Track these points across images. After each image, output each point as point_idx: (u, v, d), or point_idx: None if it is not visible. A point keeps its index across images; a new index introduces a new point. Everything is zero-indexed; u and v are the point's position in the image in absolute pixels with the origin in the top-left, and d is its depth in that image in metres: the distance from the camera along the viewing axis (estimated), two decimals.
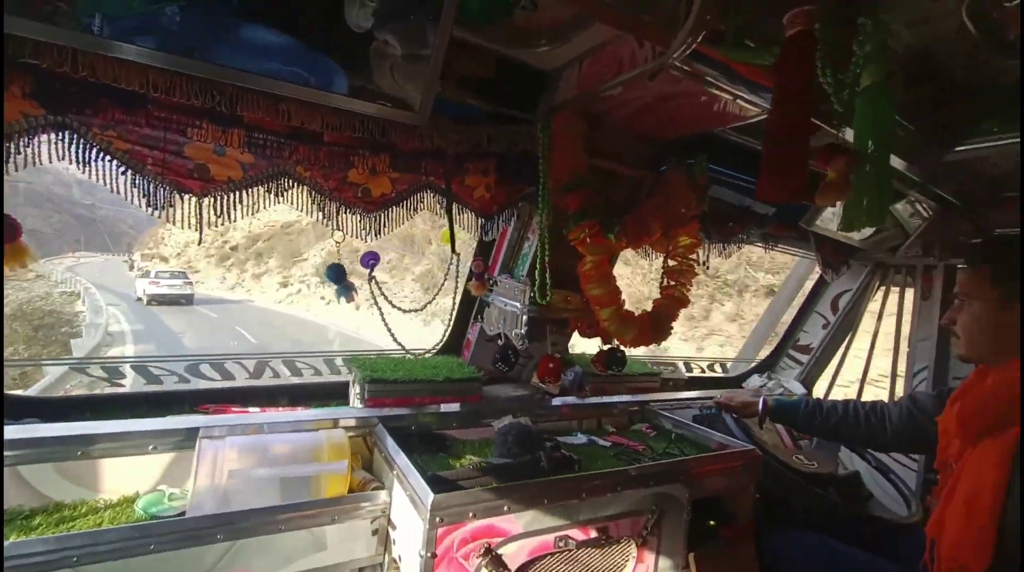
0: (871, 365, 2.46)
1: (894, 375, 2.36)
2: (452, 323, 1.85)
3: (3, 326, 1.13)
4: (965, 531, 1.10)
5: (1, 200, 0.87)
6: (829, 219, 1.91)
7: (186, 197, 1.01)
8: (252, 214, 1.08)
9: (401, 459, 1.18)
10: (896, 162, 1.53)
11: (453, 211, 1.35)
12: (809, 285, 2.71)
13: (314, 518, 1.09)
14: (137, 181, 0.96)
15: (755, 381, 2.64)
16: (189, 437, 1.16)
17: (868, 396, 2.49)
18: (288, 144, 1.08)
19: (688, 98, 1.25)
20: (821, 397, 2.52)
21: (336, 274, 1.27)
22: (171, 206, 0.99)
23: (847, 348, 2.59)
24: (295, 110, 1.03)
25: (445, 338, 1.87)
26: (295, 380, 1.60)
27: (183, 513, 1.05)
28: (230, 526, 0.98)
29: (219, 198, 1.04)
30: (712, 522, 1.51)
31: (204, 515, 0.99)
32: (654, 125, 1.45)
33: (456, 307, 1.69)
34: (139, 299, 21.37)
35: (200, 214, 1.02)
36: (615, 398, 1.93)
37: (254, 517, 1.01)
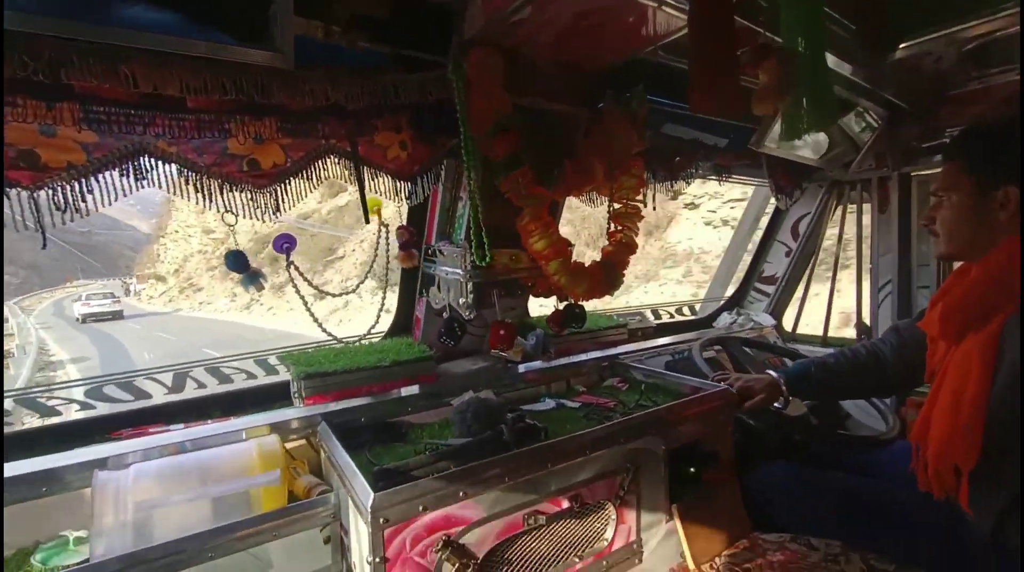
0: (836, 286, 2.44)
1: (859, 293, 2.34)
2: (397, 301, 1.72)
3: (3, 328, 0.97)
4: (953, 428, 1.08)
5: (1, 204, 0.83)
6: (779, 137, 1.82)
7: (14, 192, 0.83)
8: (110, 203, 0.90)
9: (342, 457, 1.06)
10: (841, 67, 1.43)
11: (364, 176, 1.19)
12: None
13: (250, 538, 0.96)
14: None
15: (725, 318, 2.60)
16: (90, 471, 1.01)
17: (835, 318, 2.49)
18: (141, 115, 0.89)
19: (610, 13, 1.11)
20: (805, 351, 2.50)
21: (237, 262, 1.11)
22: None
23: (811, 272, 2.56)
24: (141, 72, 0.84)
25: (392, 319, 1.74)
26: (227, 387, 1.44)
27: None
28: (144, 565, 0.85)
29: (60, 188, 0.86)
30: (693, 468, 1.45)
31: (111, 558, 0.86)
32: (580, 53, 1.30)
33: (398, 285, 1.55)
34: (77, 319, 26.50)
35: (37, 210, 0.84)
36: (583, 356, 1.84)
37: (173, 550, 0.88)
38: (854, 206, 2.37)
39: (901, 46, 1.43)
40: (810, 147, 1.96)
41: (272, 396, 1.48)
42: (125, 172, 0.92)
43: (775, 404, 1.54)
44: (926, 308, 1.31)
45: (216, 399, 1.40)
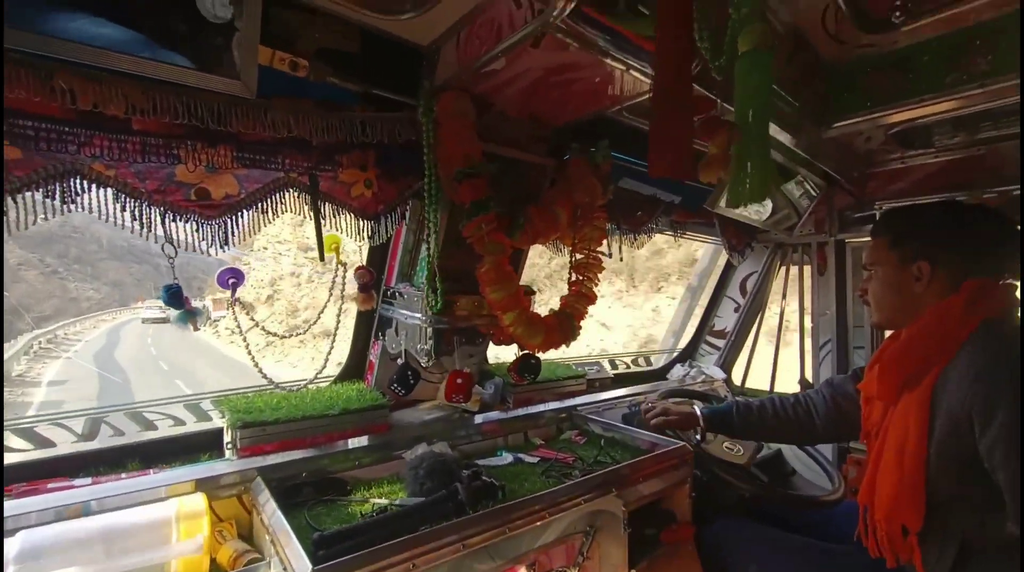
0: (781, 342, 2.54)
1: (802, 350, 2.44)
2: (351, 344, 1.62)
3: (3, 327, 0.79)
4: (900, 488, 1.10)
5: (2, 204, 0.79)
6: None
7: None
8: (27, 227, 0.80)
9: (277, 519, 0.95)
10: (783, 137, 1.54)
11: (328, 212, 1.13)
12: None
13: None
14: None
15: (678, 371, 2.64)
16: None
17: (781, 374, 2.58)
18: (75, 133, 0.81)
19: (580, 71, 1.15)
20: (746, 392, 2.57)
21: (173, 296, 1.00)
22: None
23: (759, 328, 2.66)
24: (79, 86, 0.77)
25: (344, 362, 1.64)
26: (149, 435, 1.28)
27: None
28: None
29: None
30: (651, 531, 1.40)
31: None
32: (549, 106, 1.33)
33: (353, 326, 1.47)
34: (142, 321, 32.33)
35: None
36: (541, 407, 1.79)
37: None
38: (795, 266, 2.52)
39: (836, 124, 1.56)
40: (757, 210, 2.08)
41: (201, 446, 1.32)
42: (51, 194, 0.82)
43: (693, 434, 1.59)
44: (861, 366, 1.38)
45: (135, 448, 1.23)
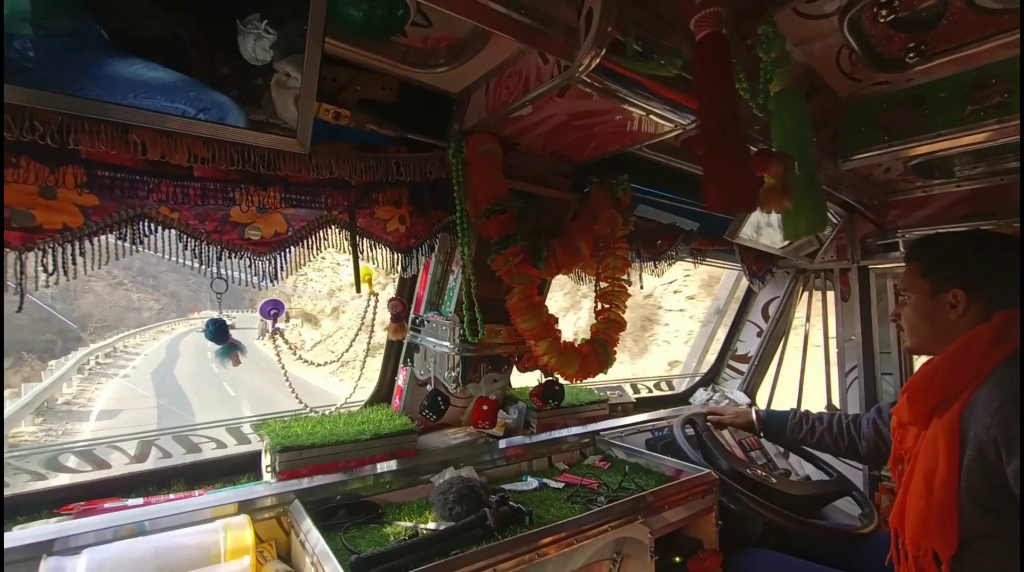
0: (807, 367, 2.52)
1: (828, 375, 2.42)
2: (380, 370, 1.68)
3: (3, 327, 0.88)
4: (928, 512, 1.10)
5: (1, 203, 0.81)
6: (753, 229, 1.95)
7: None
8: (100, 267, 0.88)
9: (316, 542, 0.99)
10: None
11: (365, 247, 1.21)
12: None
13: None
14: None
15: (701, 395, 2.63)
16: (35, 555, 0.91)
17: (807, 399, 2.55)
18: (145, 181, 0.90)
19: (601, 116, 1.21)
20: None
21: (217, 331, 1.07)
22: None
23: (783, 353, 2.65)
24: (151, 141, 0.86)
25: (375, 387, 1.70)
26: (193, 457, 1.35)
27: None
28: None
29: (51, 251, 0.84)
30: (678, 558, 1.41)
31: None
32: (571, 145, 1.40)
33: (382, 353, 1.53)
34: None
35: (21, 271, 0.81)
36: (564, 432, 1.81)
37: None
38: (819, 292, 2.51)
39: (855, 157, 1.59)
40: (776, 238, 2.10)
41: (239, 468, 1.38)
42: (123, 236, 0.91)
43: (753, 433, 1.78)
44: None
45: (179, 470, 1.30)
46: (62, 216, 0.85)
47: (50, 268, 0.83)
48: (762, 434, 1.77)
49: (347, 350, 1.40)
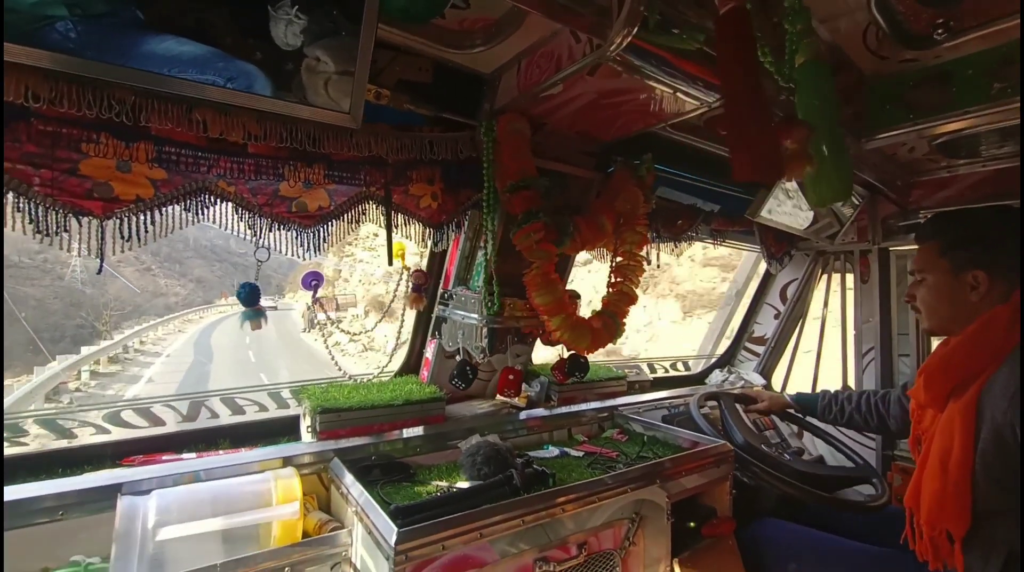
0: (823, 349, 2.54)
1: (845, 357, 2.44)
2: (409, 342, 1.76)
3: (3, 326, 0.98)
4: (943, 493, 1.12)
5: (1, 202, 0.83)
6: (773, 209, 1.96)
7: (85, 220, 0.88)
8: (165, 235, 0.96)
9: (359, 493, 1.08)
10: None
11: (399, 221, 1.27)
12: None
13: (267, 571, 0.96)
14: (21, 204, 0.83)
15: (717, 376, 2.67)
16: (108, 496, 1.01)
17: (822, 381, 2.58)
18: (206, 157, 0.97)
19: (629, 94, 1.25)
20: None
21: (248, 296, 1.15)
22: (66, 231, 0.87)
23: (800, 335, 2.67)
24: (211, 119, 0.93)
25: (404, 359, 1.78)
26: (237, 419, 1.44)
27: None
28: None
29: (126, 219, 0.92)
30: (692, 523, 1.47)
31: None
32: (598, 124, 1.44)
33: (412, 325, 1.60)
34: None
35: (102, 237, 0.89)
36: (583, 406, 1.88)
37: None
38: (838, 274, 2.52)
39: (878, 136, 1.59)
40: (798, 218, 2.11)
41: (276, 430, 1.48)
42: (187, 207, 0.98)
43: (791, 417, 1.88)
44: None
45: (224, 430, 1.40)
46: (136, 188, 0.93)
47: (126, 235, 0.92)
48: (803, 416, 1.85)
49: (379, 322, 1.47)
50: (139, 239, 0.92)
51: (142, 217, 0.94)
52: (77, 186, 0.88)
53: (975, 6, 1.17)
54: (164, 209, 0.96)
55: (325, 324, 1.36)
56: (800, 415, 1.84)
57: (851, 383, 2.43)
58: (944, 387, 1.14)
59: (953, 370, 1.13)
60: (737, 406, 1.98)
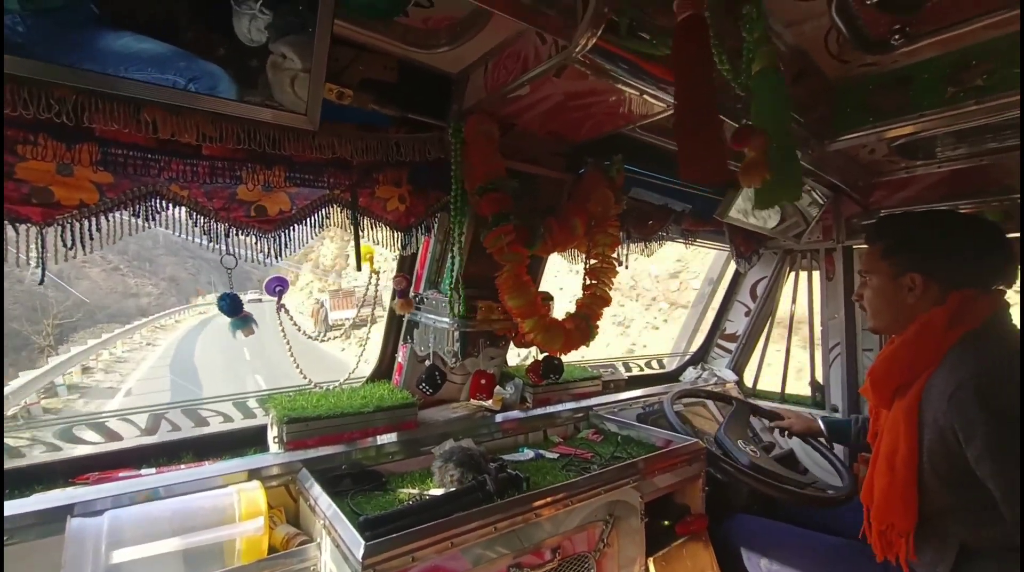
0: (791, 345, 2.60)
1: (812, 352, 2.50)
2: (381, 347, 1.73)
3: (3, 327, 0.91)
4: (888, 488, 1.15)
5: (1, 201, 0.82)
6: (740, 209, 2.00)
7: (22, 227, 0.83)
8: (113, 242, 0.91)
9: (327, 505, 1.05)
10: None
11: (366, 224, 1.24)
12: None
13: None
14: None
15: (691, 373, 2.71)
16: (59, 517, 0.96)
17: (792, 376, 2.64)
18: (157, 160, 0.93)
19: (597, 96, 1.24)
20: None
21: (231, 305, 1.11)
22: None
23: (769, 332, 2.73)
24: (162, 119, 0.89)
25: (375, 364, 1.74)
26: (201, 431, 1.39)
27: None
28: None
29: (68, 226, 0.87)
30: (667, 522, 1.48)
31: None
32: (568, 125, 1.43)
33: (383, 330, 1.57)
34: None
35: (43, 245, 0.84)
36: (559, 407, 1.88)
37: None
38: (805, 272, 2.58)
39: (840, 138, 1.63)
40: (766, 218, 2.16)
41: (243, 441, 1.43)
42: (136, 213, 0.93)
43: (817, 440, 1.77)
44: None
45: (187, 443, 1.34)
46: (79, 193, 0.88)
47: (69, 243, 0.86)
48: (831, 442, 1.76)
49: (348, 324, 1.43)
50: (83, 247, 0.87)
51: (87, 223, 0.89)
52: (13, 191, 0.82)
53: (931, 13, 1.20)
54: (111, 215, 0.91)
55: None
56: (829, 441, 1.74)
57: (819, 377, 2.49)
58: (888, 387, 1.18)
59: (895, 371, 1.16)
60: (753, 420, 1.99)
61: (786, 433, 1.81)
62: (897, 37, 1.31)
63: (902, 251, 1.19)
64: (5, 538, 0.91)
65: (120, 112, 0.87)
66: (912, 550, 1.14)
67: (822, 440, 1.80)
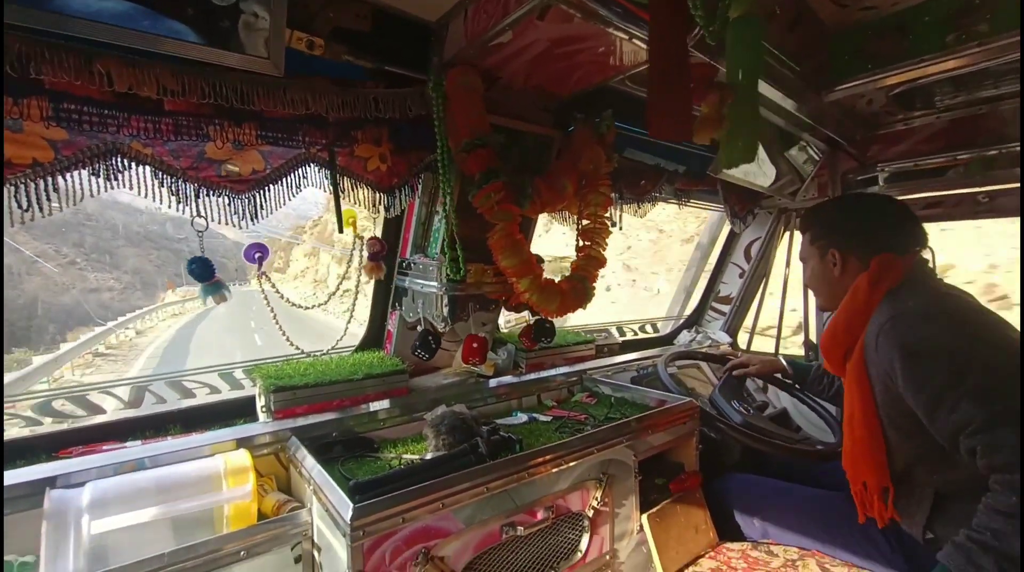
0: (786, 306, 2.59)
1: (806, 313, 2.50)
2: (369, 315, 1.70)
3: (3, 327, 0.88)
4: (852, 448, 1.22)
5: (1, 201, 0.81)
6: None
7: None
8: (76, 203, 0.86)
9: (316, 470, 1.03)
10: (787, 103, 1.57)
11: (345, 185, 1.19)
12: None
13: (217, 558, 0.91)
14: None
15: (685, 336, 2.71)
16: (39, 490, 0.94)
17: (787, 334, 2.64)
18: (115, 116, 0.87)
19: (584, 42, 1.18)
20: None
21: (202, 270, 1.07)
22: None
23: (763, 293, 2.72)
24: (116, 71, 0.83)
25: (364, 333, 1.72)
26: (188, 402, 1.37)
27: None
28: None
29: (22, 186, 0.82)
30: (661, 480, 1.49)
31: None
32: (554, 77, 1.37)
33: (370, 298, 1.53)
34: None
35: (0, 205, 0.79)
36: (553, 371, 1.87)
37: None
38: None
39: (838, 87, 1.58)
40: (761, 176, 2.11)
41: (233, 412, 1.41)
42: (96, 172, 0.88)
43: (779, 376, 1.85)
44: None
45: (175, 415, 1.32)
46: (31, 150, 0.82)
47: (24, 204, 0.81)
48: (795, 383, 1.84)
49: (332, 294, 1.40)
50: (40, 209, 0.82)
51: (41, 183, 0.83)
52: None
53: None
54: (69, 174, 0.86)
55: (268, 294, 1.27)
56: (790, 381, 1.84)
57: (813, 337, 2.50)
58: (837, 354, 1.24)
59: (839, 336, 1.23)
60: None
61: (755, 378, 1.91)
62: None
63: (820, 234, 1.33)
64: None
65: (71, 62, 0.80)
66: (892, 507, 1.18)
67: (817, 400, 1.81)
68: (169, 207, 0.97)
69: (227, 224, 1.07)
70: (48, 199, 0.84)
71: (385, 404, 1.45)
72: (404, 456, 1.26)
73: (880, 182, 2.10)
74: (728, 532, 1.56)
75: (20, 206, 0.81)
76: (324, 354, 1.53)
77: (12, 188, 0.81)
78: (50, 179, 0.84)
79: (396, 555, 0.91)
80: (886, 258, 1.20)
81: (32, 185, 0.82)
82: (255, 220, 1.05)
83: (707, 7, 0.94)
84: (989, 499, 0.94)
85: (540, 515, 1.14)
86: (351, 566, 0.86)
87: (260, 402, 1.33)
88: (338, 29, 1.10)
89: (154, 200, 0.94)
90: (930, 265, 1.30)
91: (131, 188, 0.92)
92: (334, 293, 1.44)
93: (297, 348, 1.42)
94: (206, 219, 1.03)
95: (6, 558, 0.89)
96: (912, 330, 1.06)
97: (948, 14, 1.34)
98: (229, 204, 1.03)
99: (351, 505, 0.87)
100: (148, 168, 0.94)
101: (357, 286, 1.40)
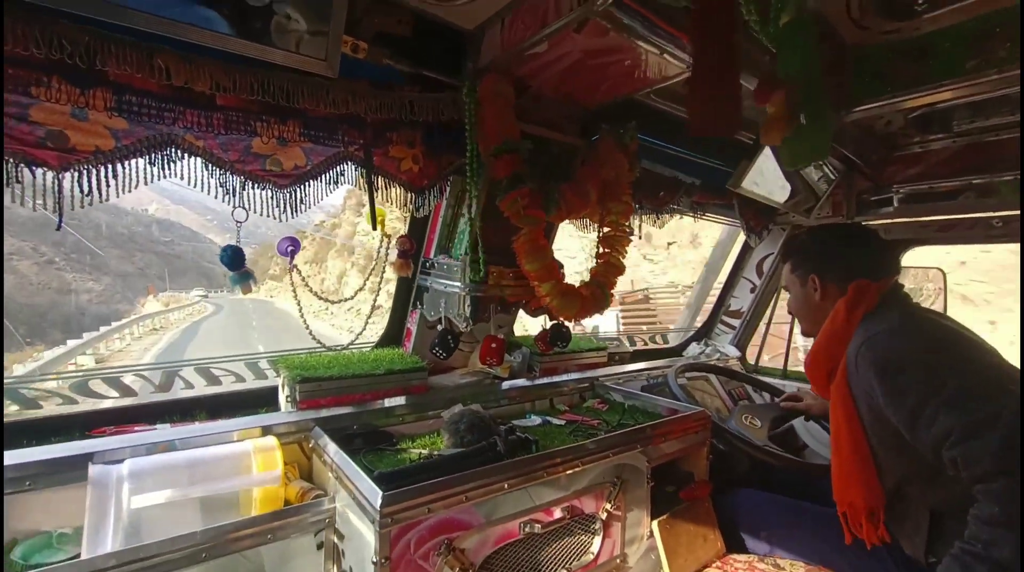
0: (795, 323, 2.61)
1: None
2: (390, 312, 1.73)
3: (3, 327, 0.91)
4: (839, 468, 1.24)
5: (1, 199, 0.83)
6: (752, 182, 1.98)
7: (39, 171, 0.82)
8: (130, 191, 0.90)
9: (343, 460, 1.06)
10: None
11: (379, 184, 1.23)
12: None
13: (245, 540, 0.94)
14: None
15: (694, 348, 2.72)
16: (79, 465, 0.97)
17: (795, 353, 2.65)
18: (171, 108, 0.91)
19: (615, 55, 1.22)
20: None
21: (233, 258, 1.10)
22: (19, 182, 0.80)
23: (774, 309, 2.73)
24: (175, 66, 0.87)
25: (384, 330, 1.75)
26: (213, 390, 1.40)
27: (78, 556, 0.87)
28: (138, 563, 0.82)
29: (85, 172, 0.86)
30: (671, 487, 1.51)
31: (103, 554, 0.82)
32: (583, 87, 1.41)
33: (392, 295, 1.57)
34: None
35: (59, 191, 0.83)
36: (565, 377, 1.89)
37: (167, 548, 0.85)
38: None
39: (857, 108, 1.61)
40: (778, 192, 2.14)
41: (257, 401, 1.44)
42: (152, 161, 0.92)
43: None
44: None
45: (200, 401, 1.35)
46: (94, 138, 0.86)
47: (86, 189, 0.85)
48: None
49: (360, 289, 1.44)
50: (100, 195, 0.86)
51: (103, 170, 0.88)
52: (28, 134, 0.81)
53: None
54: (127, 163, 0.90)
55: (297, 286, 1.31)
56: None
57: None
58: (820, 375, 1.28)
59: (822, 360, 1.26)
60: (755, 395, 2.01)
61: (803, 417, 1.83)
62: (921, 2, 1.28)
63: (800, 262, 1.40)
64: (28, 484, 0.92)
65: (133, 56, 0.85)
66: (883, 530, 1.18)
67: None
68: (215, 197, 1.01)
69: (265, 213, 1.11)
70: (107, 185, 0.88)
71: (402, 400, 1.47)
72: (422, 451, 1.29)
73: (895, 203, 2.13)
74: (734, 545, 1.57)
75: (83, 191, 0.85)
76: (345, 349, 1.56)
77: (76, 174, 0.85)
78: (111, 166, 0.88)
79: (420, 544, 0.93)
80: (862, 284, 1.24)
81: (94, 171, 0.87)
82: (296, 213, 1.09)
83: (760, 13, 0.97)
84: (975, 509, 0.95)
85: (557, 514, 1.16)
86: (379, 551, 0.88)
87: (284, 392, 1.36)
88: (380, 34, 1.14)
89: (204, 191, 0.98)
90: (907, 289, 1.36)
91: (182, 178, 0.96)
92: (361, 288, 1.46)
93: (319, 343, 1.45)
94: (247, 210, 1.07)
95: (45, 529, 0.92)
96: (888, 348, 1.10)
97: (969, 40, 1.36)
98: (272, 197, 1.07)
99: (380, 493, 0.90)
100: (199, 159, 0.98)
101: (380, 283, 1.43)
